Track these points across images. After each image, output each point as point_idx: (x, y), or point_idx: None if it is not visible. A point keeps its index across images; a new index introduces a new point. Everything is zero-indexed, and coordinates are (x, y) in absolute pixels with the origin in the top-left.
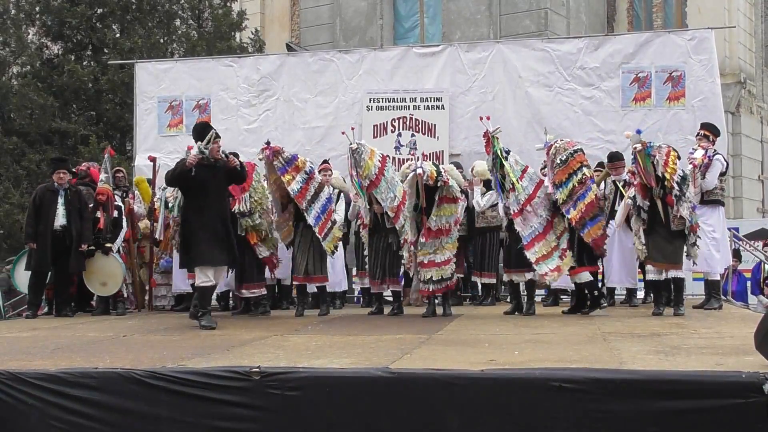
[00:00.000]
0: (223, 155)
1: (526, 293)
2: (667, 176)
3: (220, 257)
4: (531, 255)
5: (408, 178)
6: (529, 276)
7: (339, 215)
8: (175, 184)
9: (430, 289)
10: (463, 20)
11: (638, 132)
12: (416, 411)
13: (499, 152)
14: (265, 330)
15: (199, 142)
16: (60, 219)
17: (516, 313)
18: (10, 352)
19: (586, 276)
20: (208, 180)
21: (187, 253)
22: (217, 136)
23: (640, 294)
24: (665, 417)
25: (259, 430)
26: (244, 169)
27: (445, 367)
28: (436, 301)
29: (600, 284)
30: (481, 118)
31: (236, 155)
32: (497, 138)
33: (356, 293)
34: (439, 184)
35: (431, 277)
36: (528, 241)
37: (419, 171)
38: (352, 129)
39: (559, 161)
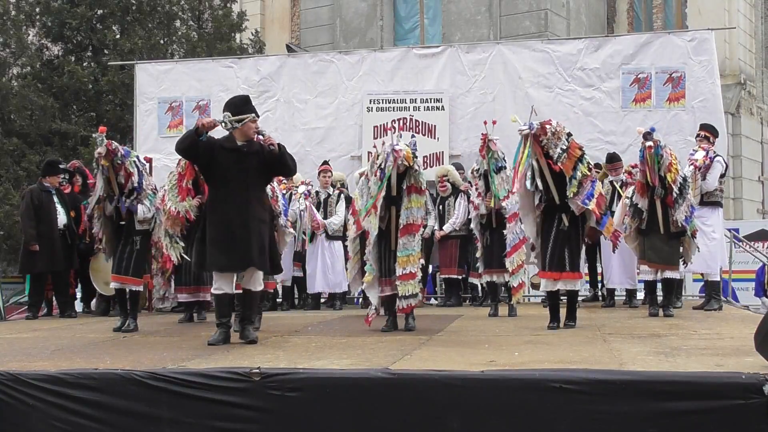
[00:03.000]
0: (260, 137)
1: (507, 295)
2: (670, 177)
3: (226, 262)
4: (509, 264)
5: (388, 161)
6: (508, 277)
7: (339, 217)
8: (183, 152)
9: (411, 305)
10: (463, 21)
11: (652, 130)
12: (416, 412)
13: (493, 162)
14: (265, 331)
15: (227, 113)
16: (62, 218)
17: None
18: (10, 353)
19: (577, 284)
20: (230, 167)
21: (198, 253)
22: (254, 114)
23: (640, 295)
24: (665, 418)
25: (259, 431)
26: (285, 155)
27: (445, 368)
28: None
29: (600, 285)
30: (485, 123)
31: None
32: (493, 150)
33: (356, 294)
34: (414, 168)
35: (409, 291)
36: (510, 248)
37: (398, 147)
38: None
39: (561, 150)
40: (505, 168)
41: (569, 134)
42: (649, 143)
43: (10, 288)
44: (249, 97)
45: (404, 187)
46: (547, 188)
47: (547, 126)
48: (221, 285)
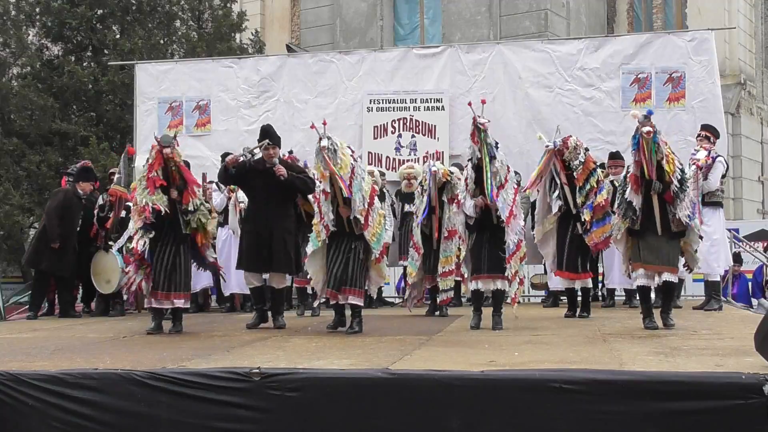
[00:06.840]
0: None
1: (492, 304)
2: (668, 169)
3: (255, 264)
4: (509, 270)
5: (428, 180)
6: (499, 284)
7: None
8: (223, 183)
9: (449, 297)
10: (463, 21)
11: (649, 113)
12: (416, 412)
13: (486, 148)
14: (265, 331)
15: (247, 147)
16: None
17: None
18: (10, 353)
19: (589, 282)
20: (259, 185)
21: (238, 256)
22: (273, 144)
23: None
24: (665, 418)
25: (259, 431)
26: (294, 181)
27: (445, 368)
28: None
29: (600, 285)
30: (470, 103)
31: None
32: (485, 131)
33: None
34: (452, 181)
35: (448, 285)
36: (511, 252)
37: (434, 169)
38: (324, 123)
39: (578, 162)
40: (495, 158)
41: (587, 149)
42: (647, 128)
43: (10, 288)
44: (269, 126)
45: (445, 199)
46: (564, 198)
47: (569, 141)
48: (251, 281)
